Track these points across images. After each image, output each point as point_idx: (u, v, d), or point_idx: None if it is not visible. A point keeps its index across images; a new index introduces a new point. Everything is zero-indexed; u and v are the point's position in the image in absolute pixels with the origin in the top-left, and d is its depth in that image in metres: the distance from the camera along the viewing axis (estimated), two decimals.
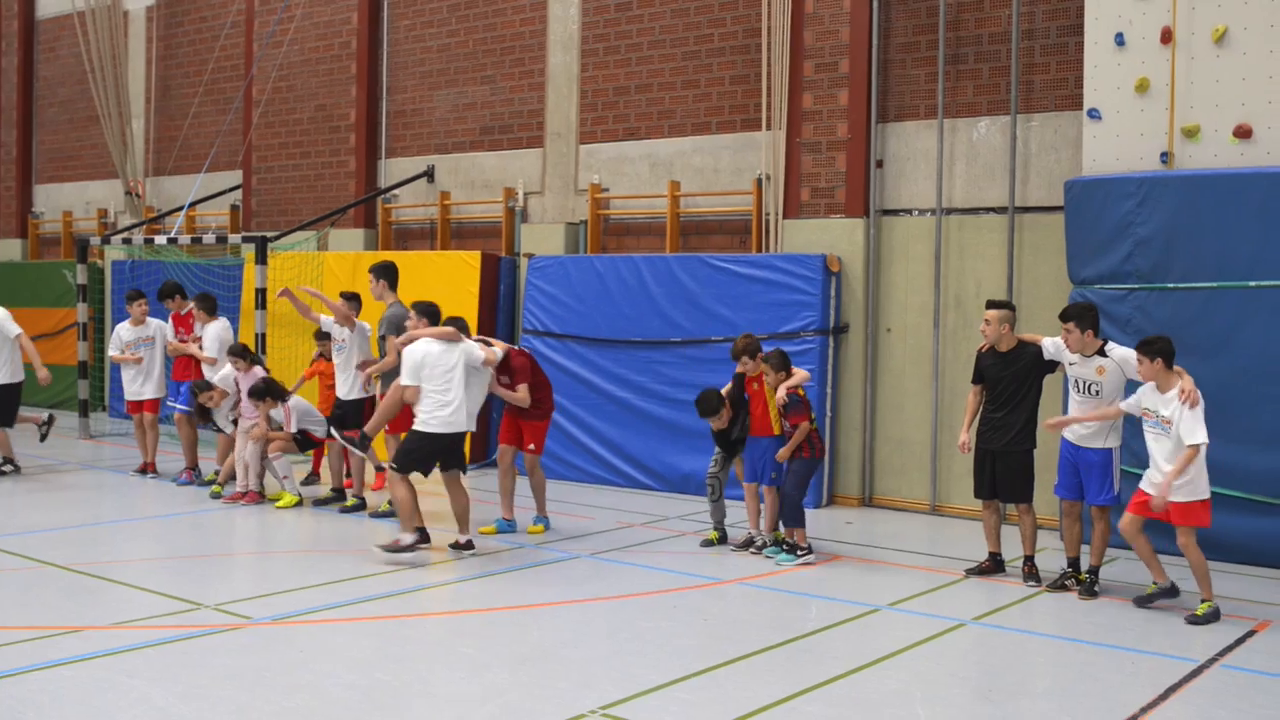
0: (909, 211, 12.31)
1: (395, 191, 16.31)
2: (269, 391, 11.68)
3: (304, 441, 11.89)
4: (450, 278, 14.36)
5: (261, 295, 14.47)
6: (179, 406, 12.97)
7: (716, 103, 13.60)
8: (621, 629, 7.69)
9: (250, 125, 17.80)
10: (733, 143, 13.46)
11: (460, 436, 9.60)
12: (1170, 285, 10.12)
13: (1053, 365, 9.02)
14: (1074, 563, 8.87)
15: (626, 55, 14.28)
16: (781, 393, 9.45)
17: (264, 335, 14.21)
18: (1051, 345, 8.93)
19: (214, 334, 12.79)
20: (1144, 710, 6.29)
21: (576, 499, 12.37)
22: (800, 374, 9.64)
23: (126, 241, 16.94)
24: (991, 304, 9.24)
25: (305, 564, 9.41)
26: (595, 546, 10.14)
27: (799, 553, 9.50)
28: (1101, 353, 8.60)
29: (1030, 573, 9.03)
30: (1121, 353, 8.60)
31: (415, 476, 9.61)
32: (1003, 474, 9.09)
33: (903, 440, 12.23)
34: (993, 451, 9.11)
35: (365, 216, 16.53)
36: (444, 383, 9.37)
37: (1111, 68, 10.45)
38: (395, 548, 9.31)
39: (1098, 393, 8.62)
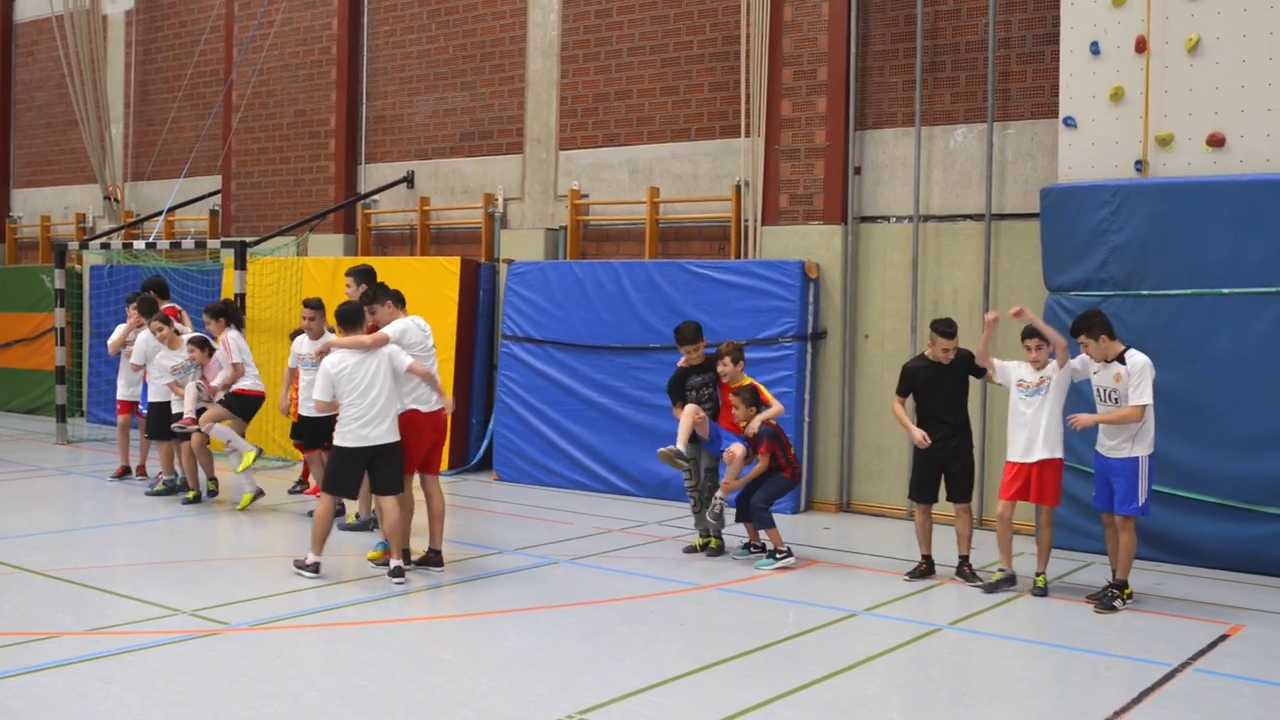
0: (887, 218, 12.38)
1: (375, 197, 16.30)
2: (226, 312, 11.74)
3: (241, 404, 11.60)
4: (430, 283, 14.35)
5: (241, 300, 14.45)
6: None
7: (696, 109, 13.65)
8: (599, 634, 7.71)
9: (230, 130, 17.77)
10: (712, 149, 13.50)
11: (385, 450, 8.90)
12: (1144, 292, 10.20)
13: (980, 370, 9.28)
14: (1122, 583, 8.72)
15: (606, 62, 14.31)
16: (755, 423, 9.54)
17: None
18: (1079, 364, 8.90)
19: (140, 340, 12.48)
20: (1118, 714, 6.35)
21: (554, 504, 12.39)
22: (776, 407, 9.78)
23: (105, 246, 16.92)
24: (948, 331, 9.29)
25: (281, 569, 9.39)
26: (573, 552, 10.16)
27: (778, 556, 9.60)
28: (1121, 359, 8.59)
29: (969, 573, 9.21)
30: (1139, 360, 8.54)
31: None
32: (959, 474, 9.28)
33: (880, 446, 12.28)
34: (944, 457, 9.23)
35: (345, 222, 16.51)
36: (360, 396, 8.80)
37: (1087, 76, 10.53)
38: (299, 565, 9.02)
39: (1117, 400, 8.56)
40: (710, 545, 10.12)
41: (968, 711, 6.47)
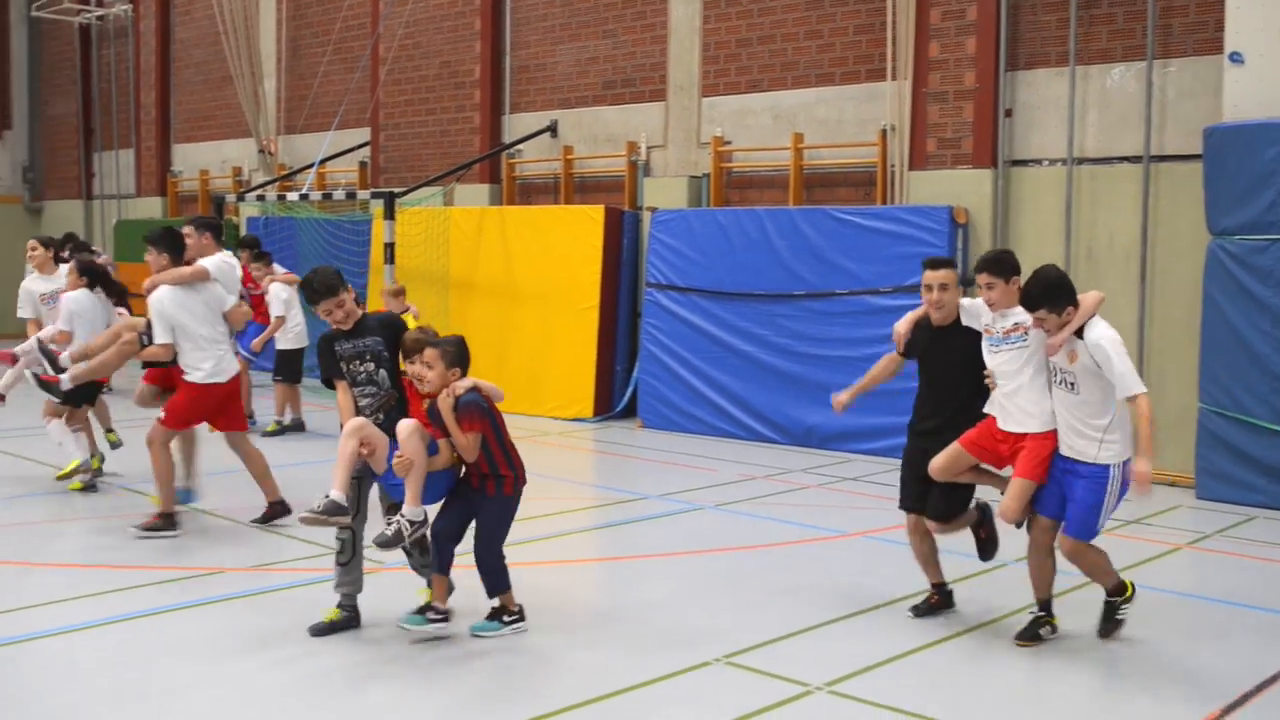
0: (1039, 162, 12.05)
1: (519, 146, 16.44)
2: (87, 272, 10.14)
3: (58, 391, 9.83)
4: (574, 232, 14.48)
5: (390, 250, 14.77)
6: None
7: (840, 53, 13.43)
8: (745, 580, 7.74)
9: (377, 83, 18.08)
10: (857, 93, 13.28)
11: None
12: None
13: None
14: (1045, 605, 6.65)
15: (749, 6, 14.15)
16: (461, 386, 6.25)
17: None
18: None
19: (274, 290, 13.21)
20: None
21: (699, 451, 12.44)
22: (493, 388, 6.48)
23: (260, 199, 17.44)
24: (936, 262, 6.77)
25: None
26: (719, 498, 10.19)
27: (505, 619, 6.58)
28: (1079, 333, 6.23)
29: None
30: (1100, 335, 6.17)
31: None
32: (940, 484, 6.71)
33: None
34: (925, 450, 6.76)
35: (490, 172, 16.71)
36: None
37: (1255, 8, 10.06)
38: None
39: (1073, 386, 6.23)
40: (333, 620, 6.56)
41: (1119, 661, 6.34)
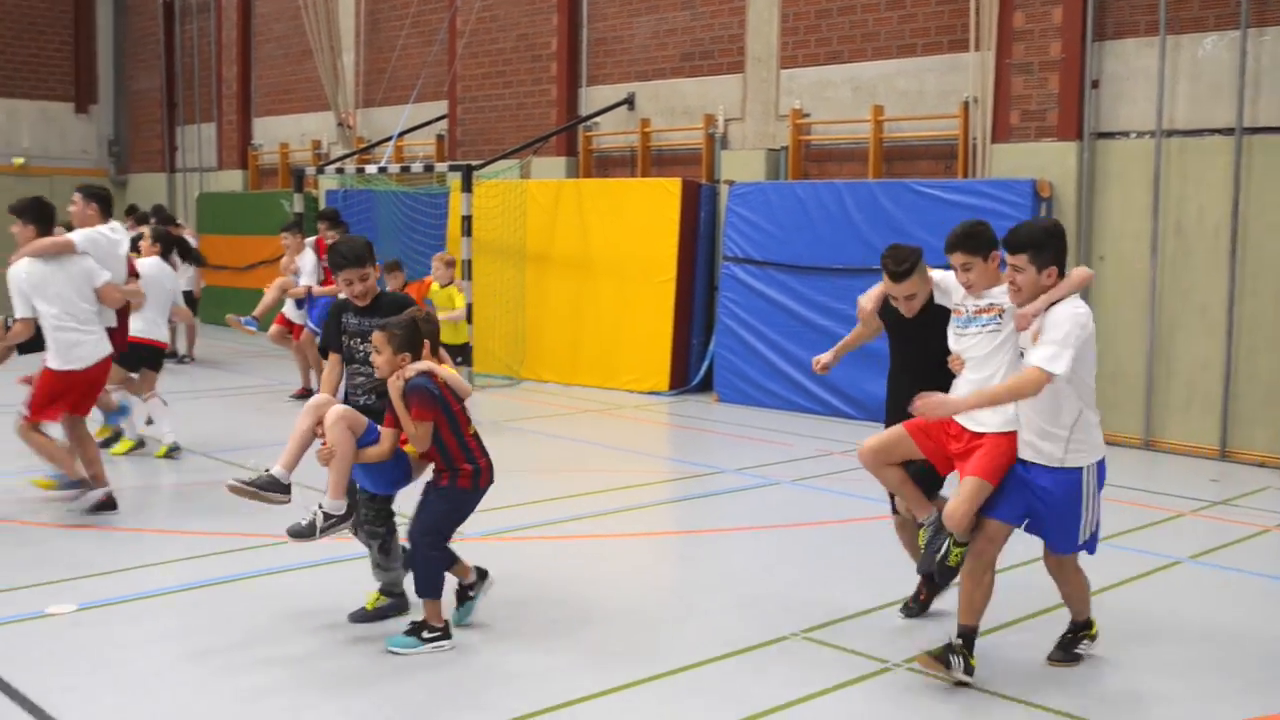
0: (1126, 134, 11.79)
1: (596, 119, 16.42)
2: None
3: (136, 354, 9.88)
4: (651, 205, 14.44)
5: (467, 222, 14.82)
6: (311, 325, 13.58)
7: (922, 24, 13.22)
8: (821, 555, 7.71)
9: (455, 56, 18.13)
10: (938, 65, 13.07)
11: None
12: None
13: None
14: (970, 634, 5.64)
15: None
16: (413, 369, 5.76)
17: (470, 262, 14.54)
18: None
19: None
20: None
21: (775, 426, 12.38)
22: (453, 373, 5.95)
23: (339, 171, 17.56)
24: (895, 271, 5.98)
25: (512, 483, 9.65)
26: (795, 473, 10.15)
27: (425, 634, 5.90)
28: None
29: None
30: (1068, 308, 5.35)
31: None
32: (920, 465, 6.12)
33: (1116, 373, 11.79)
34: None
35: (567, 144, 16.69)
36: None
37: None
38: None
39: None
40: (368, 606, 6.34)
41: (1209, 645, 6.22)
